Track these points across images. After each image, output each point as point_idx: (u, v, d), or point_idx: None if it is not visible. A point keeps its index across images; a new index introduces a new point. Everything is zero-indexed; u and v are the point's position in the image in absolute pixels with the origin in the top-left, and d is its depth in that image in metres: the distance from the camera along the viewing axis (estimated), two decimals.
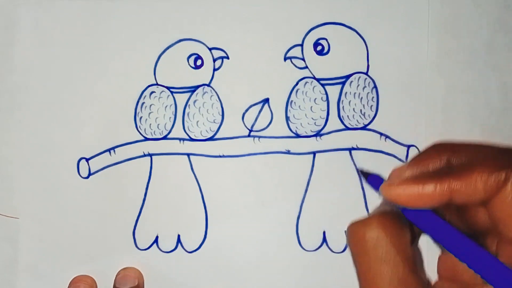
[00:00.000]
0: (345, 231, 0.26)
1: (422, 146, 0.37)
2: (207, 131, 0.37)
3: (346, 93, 0.37)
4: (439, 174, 0.24)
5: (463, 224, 0.27)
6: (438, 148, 0.27)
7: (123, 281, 0.36)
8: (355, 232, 0.25)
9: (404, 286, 0.24)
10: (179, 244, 0.37)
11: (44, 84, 0.37)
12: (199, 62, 0.37)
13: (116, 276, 0.36)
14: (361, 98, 0.37)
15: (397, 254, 0.24)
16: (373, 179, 0.28)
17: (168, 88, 0.37)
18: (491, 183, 0.24)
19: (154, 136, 0.37)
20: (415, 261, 0.24)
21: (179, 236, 0.37)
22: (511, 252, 0.24)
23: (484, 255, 0.23)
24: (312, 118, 0.37)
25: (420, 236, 0.27)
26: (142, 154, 0.37)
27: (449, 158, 0.25)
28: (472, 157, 0.25)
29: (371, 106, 0.37)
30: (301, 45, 0.37)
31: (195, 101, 0.37)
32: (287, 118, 0.37)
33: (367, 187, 0.37)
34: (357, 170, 0.34)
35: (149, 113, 0.37)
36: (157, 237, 0.37)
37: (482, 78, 0.37)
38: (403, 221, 0.25)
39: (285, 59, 0.37)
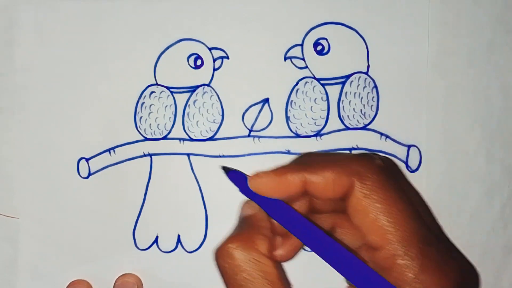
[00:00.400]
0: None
1: (423, 146, 0.37)
2: (207, 131, 0.37)
3: (346, 93, 0.37)
4: (298, 167, 0.28)
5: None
6: (303, 155, 0.32)
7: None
8: (217, 262, 0.28)
9: None
10: (179, 244, 0.37)
11: (44, 84, 0.37)
12: (199, 62, 0.37)
13: (115, 283, 0.36)
14: (361, 98, 0.37)
15: (259, 277, 0.26)
16: (233, 175, 0.31)
17: (168, 88, 0.37)
18: (339, 183, 0.27)
19: (154, 136, 0.37)
20: (277, 277, 0.27)
21: (179, 236, 0.37)
22: (372, 255, 0.27)
23: (328, 242, 0.26)
24: (312, 118, 0.37)
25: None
26: (142, 154, 0.37)
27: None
28: (327, 158, 0.29)
29: (371, 106, 0.37)
30: (301, 45, 0.37)
31: (195, 101, 0.37)
32: (287, 118, 0.37)
33: None
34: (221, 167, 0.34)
35: (149, 113, 0.37)
36: (157, 237, 0.37)
37: (483, 77, 0.37)
38: (259, 236, 0.27)
39: (285, 59, 0.37)
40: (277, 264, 0.28)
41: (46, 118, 0.37)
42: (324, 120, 0.37)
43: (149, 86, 0.37)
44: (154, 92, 0.37)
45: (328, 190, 0.27)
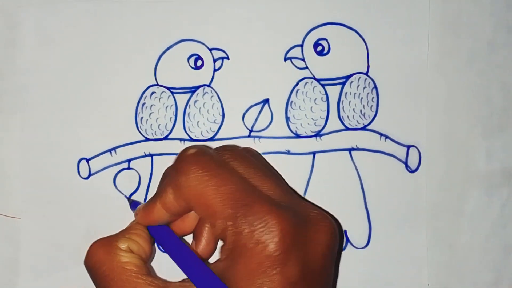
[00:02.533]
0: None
1: (423, 147, 0.37)
2: (207, 131, 0.37)
3: (346, 93, 0.37)
4: (153, 197, 0.31)
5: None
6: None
7: None
8: (85, 265, 0.30)
9: None
10: None
11: (45, 84, 0.37)
12: (199, 63, 0.37)
13: None
14: (361, 98, 0.37)
15: (116, 267, 0.29)
16: (135, 205, 0.34)
17: (168, 88, 0.37)
18: (174, 192, 0.29)
19: (155, 137, 0.37)
20: (137, 265, 0.29)
21: None
22: (216, 236, 0.29)
23: (185, 254, 0.29)
24: (312, 119, 0.37)
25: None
26: (143, 154, 0.37)
27: None
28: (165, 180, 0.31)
29: (371, 106, 0.37)
30: (301, 45, 0.37)
31: (195, 102, 0.37)
32: (287, 119, 0.37)
33: (366, 187, 0.37)
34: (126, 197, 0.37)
35: (150, 113, 0.37)
36: None
37: (484, 77, 0.37)
38: (122, 238, 0.30)
39: (285, 59, 0.37)
40: (140, 256, 0.30)
41: (47, 118, 0.37)
42: (324, 121, 0.37)
43: (149, 86, 0.37)
44: (155, 92, 0.37)
45: (177, 206, 0.30)
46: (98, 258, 0.29)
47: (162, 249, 0.36)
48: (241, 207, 0.27)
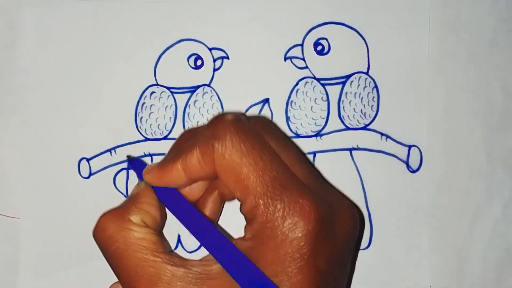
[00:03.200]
0: None
1: (424, 146, 0.37)
2: None
3: (346, 93, 0.37)
4: (173, 157, 0.29)
5: None
6: (183, 135, 0.32)
7: None
8: (95, 240, 0.28)
9: (143, 268, 0.26)
10: (179, 244, 0.37)
11: (46, 84, 0.37)
12: (199, 62, 0.37)
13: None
14: (362, 98, 0.37)
15: (131, 244, 0.27)
16: (135, 164, 0.33)
17: (168, 88, 0.37)
18: (206, 154, 0.28)
19: (154, 136, 0.37)
20: (153, 242, 0.27)
21: (179, 236, 0.37)
22: (244, 213, 0.28)
23: (206, 227, 0.27)
24: (313, 118, 0.37)
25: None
26: (143, 154, 0.37)
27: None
28: (191, 137, 0.29)
29: (372, 106, 0.37)
30: (301, 45, 0.37)
31: (195, 101, 0.37)
32: (287, 118, 0.37)
33: (367, 187, 0.37)
34: (127, 156, 0.36)
35: (150, 113, 0.37)
36: None
37: (484, 77, 0.37)
38: (134, 209, 0.28)
39: (285, 59, 0.37)
40: (154, 231, 0.28)
41: (47, 118, 0.37)
42: (324, 120, 0.37)
43: (149, 86, 0.37)
44: (155, 92, 0.37)
45: (203, 167, 0.28)
46: (110, 234, 0.28)
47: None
48: (277, 187, 0.26)
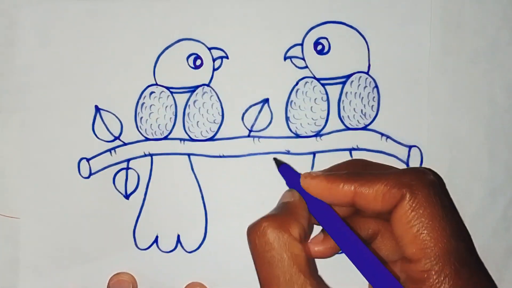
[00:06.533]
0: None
1: (424, 147, 0.37)
2: (207, 131, 0.37)
3: (346, 93, 0.37)
4: (349, 177, 0.29)
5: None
6: (352, 161, 0.33)
7: (117, 287, 0.36)
8: (249, 238, 0.28)
9: (292, 285, 0.26)
10: (179, 244, 0.37)
11: (45, 84, 0.37)
12: (198, 62, 0.37)
13: (109, 282, 0.36)
14: (362, 98, 0.37)
15: (286, 258, 0.27)
16: (284, 169, 0.32)
17: (167, 88, 0.37)
18: (389, 195, 0.28)
19: (154, 136, 0.37)
20: (305, 261, 0.27)
21: (179, 236, 0.37)
22: (407, 268, 0.28)
23: (367, 254, 0.27)
24: (312, 118, 0.37)
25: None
26: (143, 154, 0.37)
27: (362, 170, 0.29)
28: (379, 171, 0.29)
29: (372, 106, 0.37)
30: (301, 44, 0.37)
31: (195, 101, 0.37)
32: (287, 118, 0.37)
33: None
34: (274, 158, 0.34)
35: (150, 113, 0.37)
36: (157, 237, 0.37)
37: (486, 77, 0.37)
38: (294, 222, 0.28)
39: (285, 58, 0.37)
40: (307, 250, 0.28)
41: (47, 118, 0.37)
42: (324, 120, 0.37)
43: (148, 86, 0.37)
44: (154, 92, 0.37)
45: (377, 203, 0.28)
46: (269, 240, 0.27)
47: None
48: (458, 261, 0.26)
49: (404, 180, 0.28)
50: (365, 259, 0.27)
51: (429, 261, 0.26)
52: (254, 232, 0.28)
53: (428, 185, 0.28)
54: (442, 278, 0.26)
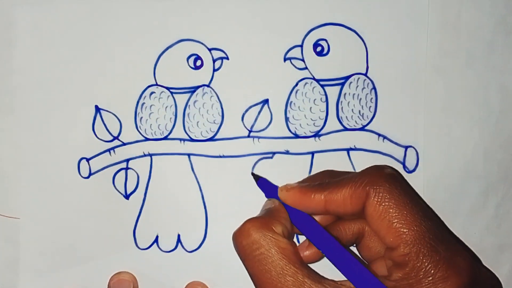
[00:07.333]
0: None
1: (420, 147, 0.37)
2: (207, 131, 0.37)
3: (345, 94, 0.37)
4: (319, 187, 0.31)
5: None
6: (321, 172, 0.35)
7: (118, 286, 0.36)
8: (236, 242, 0.30)
9: (284, 277, 0.28)
10: (179, 244, 0.37)
11: (44, 84, 0.37)
12: (198, 63, 0.37)
13: (110, 281, 0.37)
14: (360, 99, 0.37)
15: (275, 252, 0.28)
16: (262, 183, 0.34)
17: (168, 88, 0.37)
18: (356, 197, 0.29)
19: (154, 137, 0.37)
20: (293, 253, 0.29)
21: (179, 235, 0.37)
22: (390, 255, 0.29)
23: (346, 256, 0.29)
24: (311, 119, 0.37)
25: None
26: (143, 154, 0.37)
27: (330, 179, 0.31)
28: (342, 177, 0.31)
29: (370, 107, 0.37)
30: (301, 46, 0.37)
31: (195, 102, 0.37)
32: (287, 119, 0.37)
33: None
34: (252, 173, 0.36)
35: (150, 113, 0.37)
36: (157, 237, 0.37)
37: (482, 79, 0.38)
38: (276, 222, 0.30)
39: (284, 59, 0.37)
40: (293, 243, 0.30)
41: (46, 118, 0.37)
42: (323, 121, 0.37)
43: (149, 86, 0.37)
44: (154, 92, 0.37)
45: (347, 206, 0.30)
46: (255, 239, 0.29)
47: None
48: (433, 239, 0.28)
49: (365, 179, 0.30)
50: (345, 260, 0.29)
51: (406, 245, 0.28)
52: (239, 235, 0.29)
53: (388, 178, 0.29)
54: (421, 257, 0.27)
